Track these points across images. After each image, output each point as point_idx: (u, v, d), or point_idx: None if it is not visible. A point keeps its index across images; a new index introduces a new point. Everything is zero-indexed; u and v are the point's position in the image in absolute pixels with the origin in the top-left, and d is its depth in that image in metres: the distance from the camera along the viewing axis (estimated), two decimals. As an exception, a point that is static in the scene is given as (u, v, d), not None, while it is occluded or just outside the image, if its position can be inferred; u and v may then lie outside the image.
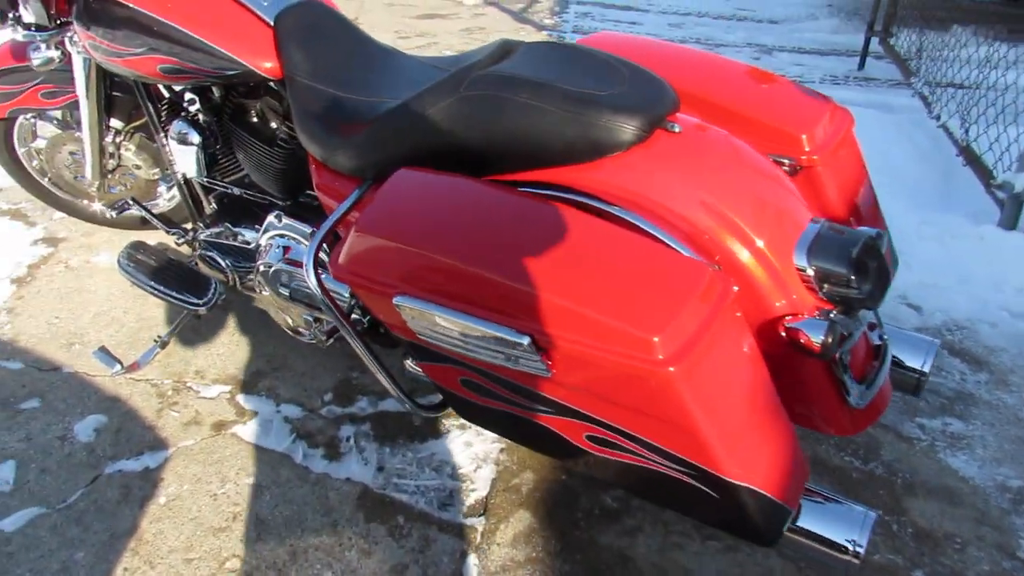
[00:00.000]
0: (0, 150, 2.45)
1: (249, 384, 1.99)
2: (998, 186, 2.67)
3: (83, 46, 1.82)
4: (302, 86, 1.61)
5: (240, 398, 1.94)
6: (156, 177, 2.44)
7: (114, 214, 2.15)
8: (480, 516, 1.63)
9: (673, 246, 1.24)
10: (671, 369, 1.05)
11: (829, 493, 1.31)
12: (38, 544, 1.56)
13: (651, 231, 1.25)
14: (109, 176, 2.39)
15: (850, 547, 1.24)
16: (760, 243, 1.26)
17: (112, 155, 2.32)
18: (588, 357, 1.11)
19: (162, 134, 2.03)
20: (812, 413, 1.38)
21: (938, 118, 3.52)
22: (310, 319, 1.73)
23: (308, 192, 1.86)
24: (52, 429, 1.84)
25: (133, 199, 2.14)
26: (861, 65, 4.68)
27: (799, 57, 4.94)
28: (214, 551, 1.55)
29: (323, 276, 1.49)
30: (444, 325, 1.21)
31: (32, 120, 2.41)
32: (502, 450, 1.79)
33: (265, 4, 1.68)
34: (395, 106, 1.45)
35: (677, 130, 1.32)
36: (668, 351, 1.05)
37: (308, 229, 1.72)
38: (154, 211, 2.44)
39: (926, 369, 1.57)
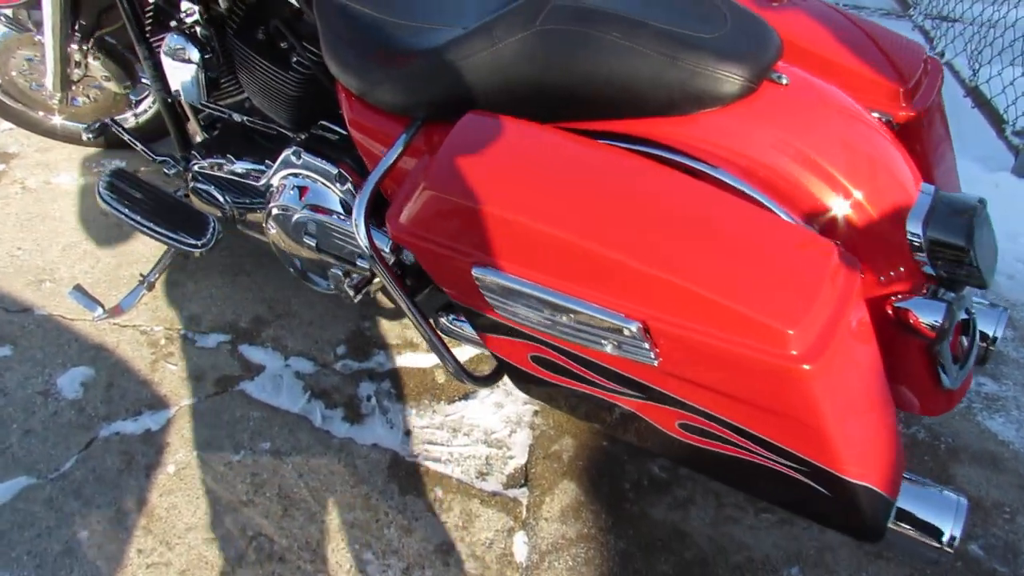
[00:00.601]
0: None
1: (251, 333, 1.80)
2: (1018, 132, 2.60)
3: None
4: (334, 5, 1.38)
5: (243, 349, 1.76)
6: (127, 91, 2.16)
7: (90, 136, 1.89)
8: (522, 487, 1.52)
9: (787, 218, 1.10)
10: (806, 367, 0.93)
11: (918, 478, 1.24)
12: (32, 521, 1.39)
13: (761, 199, 1.11)
14: (72, 87, 2.10)
15: (945, 538, 1.17)
16: (874, 212, 1.13)
17: (78, 64, 2.03)
18: (708, 348, 0.98)
19: (144, 46, 1.76)
20: (904, 394, 1.29)
21: (942, 55, 3.41)
22: (338, 272, 1.55)
23: (322, 123, 1.65)
24: (31, 383, 1.64)
25: (112, 120, 1.87)
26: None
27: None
28: (238, 529, 1.40)
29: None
30: (534, 303, 1.06)
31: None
32: (536, 412, 1.67)
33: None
34: (456, 36, 1.24)
35: (784, 82, 1.16)
36: (804, 346, 0.93)
37: (333, 169, 1.51)
38: (128, 126, 2.18)
39: (998, 335, 1.49)
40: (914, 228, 1.13)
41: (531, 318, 1.09)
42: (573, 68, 1.16)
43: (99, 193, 1.75)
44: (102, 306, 1.75)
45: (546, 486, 1.52)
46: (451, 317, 1.41)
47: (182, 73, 1.61)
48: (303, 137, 1.64)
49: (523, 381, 1.30)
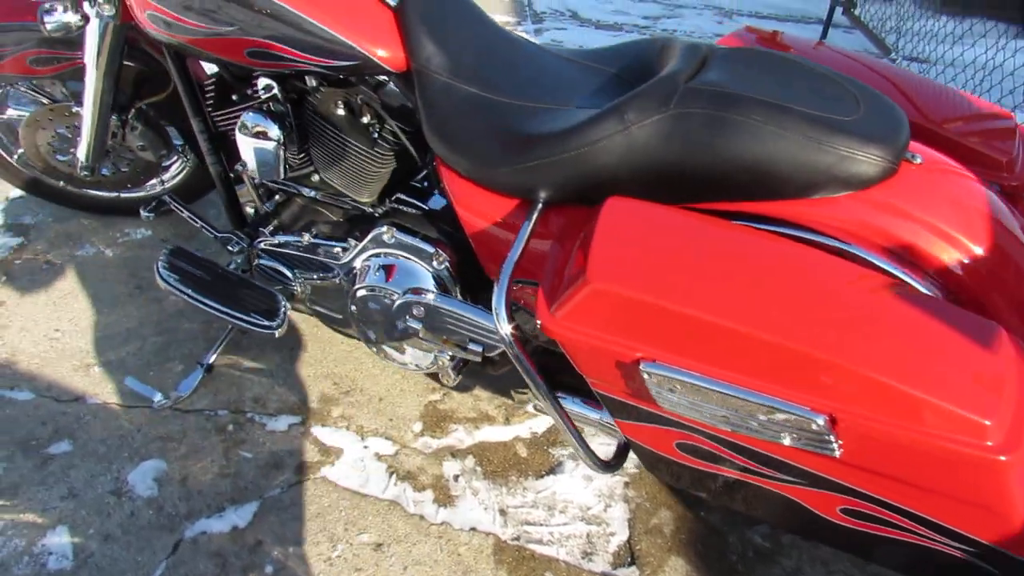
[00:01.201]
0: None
1: (321, 413, 1.74)
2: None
3: (138, 17, 1.46)
4: (440, 84, 1.35)
5: (316, 431, 1.69)
6: (160, 160, 2.08)
7: (150, 214, 1.80)
8: (631, 566, 1.49)
9: (938, 295, 1.11)
10: (1003, 458, 0.93)
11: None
12: (132, 639, 1.29)
13: (911, 280, 1.12)
14: (105, 157, 2.02)
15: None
16: (1014, 284, 1.15)
17: (114, 134, 1.95)
18: (899, 439, 0.97)
19: (201, 120, 1.70)
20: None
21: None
22: (441, 353, 1.50)
23: (399, 197, 1.61)
24: (100, 482, 1.54)
25: (172, 195, 1.79)
26: (824, 35, 4.68)
27: (760, 23, 4.90)
28: (354, 633, 1.33)
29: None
30: (711, 398, 1.04)
31: (3, 89, 1.99)
32: (627, 484, 1.65)
33: (386, -20, 1.40)
34: (582, 119, 1.23)
35: (918, 161, 1.18)
36: (1000, 437, 0.93)
37: (431, 249, 1.47)
38: (152, 194, 2.12)
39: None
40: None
41: (702, 411, 1.07)
42: (713, 151, 1.15)
43: (160, 275, 1.67)
44: (161, 392, 1.68)
45: (655, 564, 1.49)
46: (577, 401, 1.38)
47: (259, 150, 1.55)
48: (382, 213, 1.60)
49: (661, 466, 1.28)
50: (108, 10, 1.59)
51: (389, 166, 1.56)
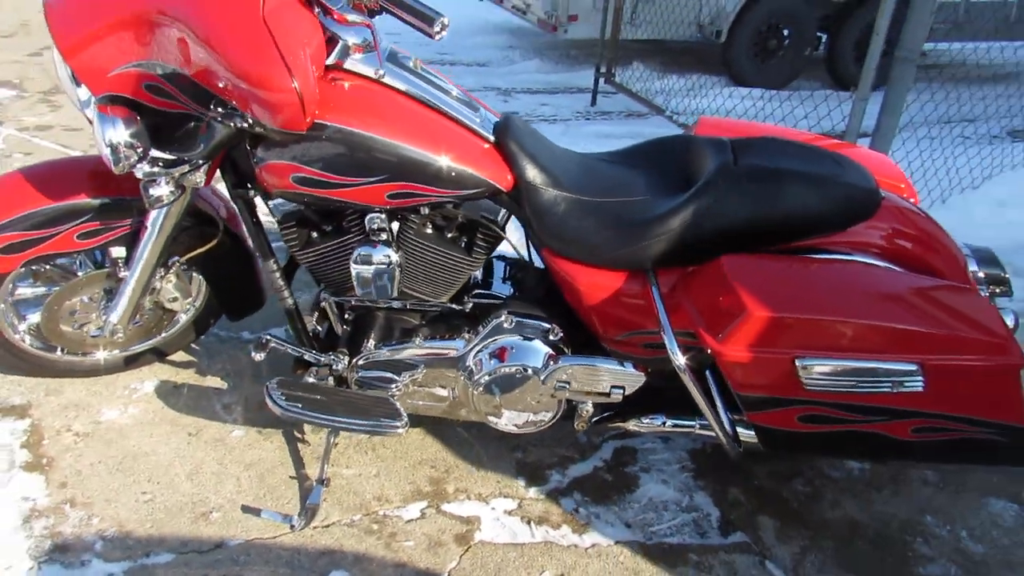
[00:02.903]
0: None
1: (440, 494, 1.96)
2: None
3: (271, 181, 1.64)
4: (549, 194, 1.73)
5: (447, 508, 1.92)
6: (187, 310, 2.16)
7: (262, 355, 1.90)
8: (736, 532, 1.92)
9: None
10: (1021, 365, 1.54)
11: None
12: None
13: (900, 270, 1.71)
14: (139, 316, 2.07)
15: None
16: (961, 264, 1.78)
17: (153, 291, 2.02)
18: (961, 367, 1.54)
19: (273, 260, 1.88)
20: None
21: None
22: (584, 404, 1.84)
23: (477, 291, 1.94)
24: (300, 604, 1.65)
25: (271, 335, 1.91)
26: (593, 101, 5.56)
27: (537, 97, 5.67)
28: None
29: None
30: (846, 371, 1.54)
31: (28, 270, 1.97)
32: (694, 478, 2.09)
33: (478, 121, 1.74)
34: (676, 204, 1.68)
35: (883, 195, 1.79)
36: (1016, 352, 1.54)
37: (548, 325, 1.82)
38: (159, 344, 2.20)
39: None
40: (973, 268, 1.81)
41: (834, 382, 1.56)
42: (773, 208, 1.66)
43: (279, 406, 1.81)
44: (294, 516, 1.81)
45: (751, 524, 1.95)
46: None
47: (377, 275, 1.78)
48: (472, 307, 1.91)
49: (780, 438, 1.73)
50: (199, 179, 1.73)
51: (474, 269, 1.88)
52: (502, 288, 2.00)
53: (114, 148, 1.51)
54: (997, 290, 1.83)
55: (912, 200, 1.92)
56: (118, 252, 1.96)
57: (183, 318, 2.20)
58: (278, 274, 1.90)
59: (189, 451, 2.03)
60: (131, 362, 2.23)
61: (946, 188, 3.80)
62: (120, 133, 1.51)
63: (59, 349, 2.12)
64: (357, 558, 1.76)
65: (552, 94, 5.79)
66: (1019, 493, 2.11)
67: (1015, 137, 5.30)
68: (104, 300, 2.03)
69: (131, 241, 1.92)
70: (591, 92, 5.64)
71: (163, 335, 2.21)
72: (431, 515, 1.90)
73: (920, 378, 1.55)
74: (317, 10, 1.49)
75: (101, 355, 2.17)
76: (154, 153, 1.59)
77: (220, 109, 1.53)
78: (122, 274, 1.94)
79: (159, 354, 2.28)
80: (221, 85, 1.46)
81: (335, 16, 1.49)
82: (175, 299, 2.08)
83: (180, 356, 2.35)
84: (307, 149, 1.59)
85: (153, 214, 1.82)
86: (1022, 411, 1.61)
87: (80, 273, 2.01)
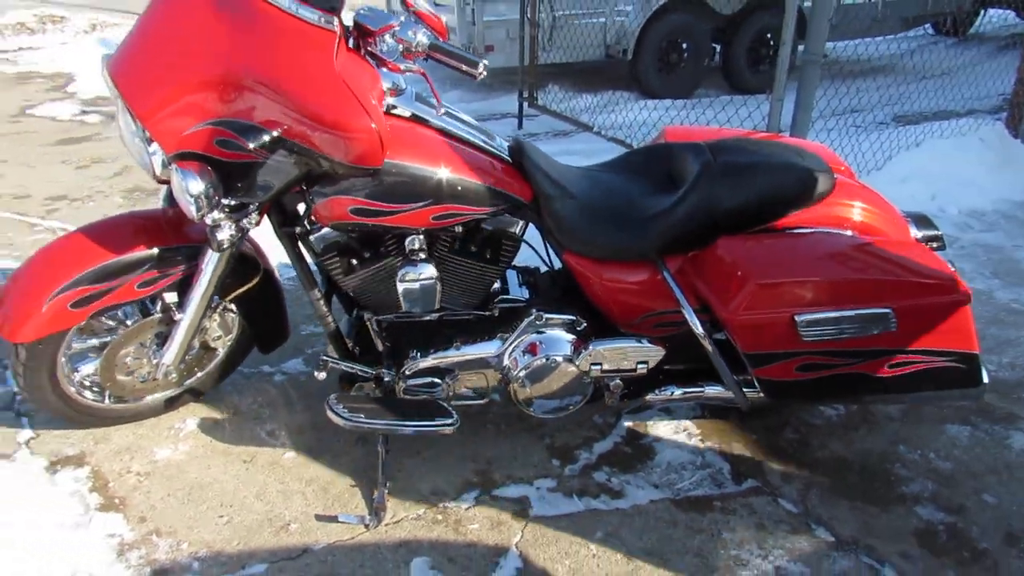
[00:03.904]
0: (37, 371, 2.05)
1: (487, 483, 2.19)
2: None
3: (327, 213, 1.84)
4: (566, 203, 2.00)
5: (497, 492, 2.15)
6: (227, 345, 2.32)
7: (324, 374, 2.07)
8: (748, 478, 2.22)
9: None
10: (969, 300, 1.90)
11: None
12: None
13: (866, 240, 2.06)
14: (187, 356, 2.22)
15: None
16: (904, 227, 2.14)
17: (202, 331, 2.18)
18: (921, 306, 1.89)
19: (317, 289, 2.08)
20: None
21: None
22: (613, 380, 2.10)
23: (501, 298, 2.19)
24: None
25: (327, 355, 2.10)
26: (520, 125, 5.89)
27: (467, 125, 5.94)
28: (657, 581, 1.87)
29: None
30: (837, 320, 1.86)
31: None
32: (700, 440, 2.38)
33: (496, 145, 2.00)
34: (675, 199, 1.98)
35: (837, 176, 2.14)
36: (965, 288, 1.90)
37: (573, 316, 2.09)
38: (196, 383, 2.38)
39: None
40: (912, 230, 2.17)
41: (830, 332, 1.88)
42: (757, 195, 1.98)
43: (342, 418, 2.01)
44: (365, 515, 2.01)
45: (760, 469, 2.25)
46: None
47: (423, 291, 2.00)
48: (502, 310, 2.15)
49: (782, 388, 2.03)
50: (255, 221, 1.93)
51: (499, 276, 2.13)
52: (519, 292, 2.25)
53: (195, 198, 1.70)
54: (934, 245, 2.20)
55: (853, 179, 2.28)
56: (170, 297, 2.10)
57: (220, 354, 2.35)
58: (322, 301, 2.10)
59: (249, 476, 2.18)
60: (171, 404, 2.37)
61: (856, 171, 4.28)
62: (199, 185, 1.70)
63: (107, 397, 2.24)
64: (432, 544, 1.97)
65: (480, 121, 6.06)
66: (967, 417, 2.49)
67: (900, 122, 5.93)
68: (154, 345, 2.17)
69: (181, 286, 2.08)
70: (516, 116, 5.97)
71: (202, 373, 2.35)
72: (485, 500, 2.12)
73: (894, 320, 1.89)
74: (373, 61, 1.73)
75: (148, 399, 2.30)
76: (225, 200, 1.77)
77: (292, 155, 1.73)
78: (177, 317, 2.08)
79: (195, 394, 2.41)
80: (298, 133, 1.66)
81: (389, 66, 1.72)
82: (218, 337, 2.25)
83: (212, 395, 2.49)
84: (364, 183, 1.81)
85: (209, 257, 1.98)
86: (972, 339, 1.97)
87: (129, 322, 2.15)
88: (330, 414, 2.02)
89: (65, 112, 6.24)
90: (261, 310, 2.31)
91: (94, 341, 2.15)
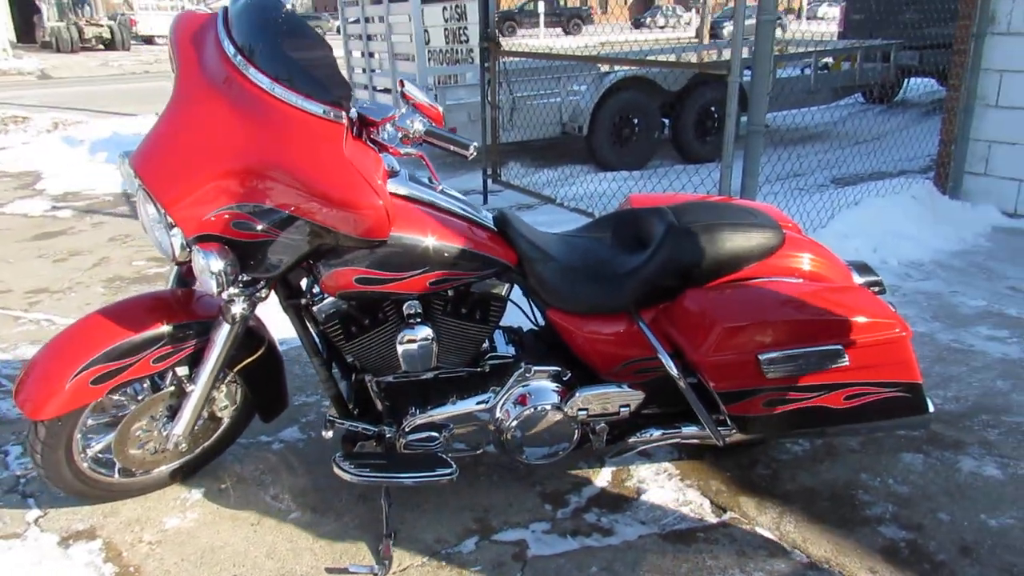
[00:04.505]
0: (55, 448, 2.17)
1: (486, 528, 2.33)
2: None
3: (333, 284, 2.03)
4: (548, 266, 2.22)
5: (496, 537, 2.29)
6: (232, 415, 2.46)
7: (331, 433, 2.21)
8: (728, 511, 2.40)
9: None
10: (910, 335, 2.15)
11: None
12: None
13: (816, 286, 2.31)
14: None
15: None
16: (847, 274, 2.41)
17: (211, 401, 2.32)
18: (871, 344, 2.13)
19: (319, 358, 2.25)
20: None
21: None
22: (599, 424, 2.28)
23: (491, 355, 2.38)
24: (408, 630, 1.96)
25: (332, 417, 2.24)
26: (485, 200, 6.17)
27: (434, 203, 6.20)
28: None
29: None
30: (797, 359, 2.09)
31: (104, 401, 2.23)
32: (681, 480, 2.56)
33: (481, 215, 2.23)
34: (644, 259, 2.21)
35: (785, 232, 2.40)
36: (906, 328, 2.15)
37: (558, 368, 2.28)
38: (201, 455, 2.50)
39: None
40: (858, 279, 2.43)
41: (787, 368, 2.10)
42: (715, 253, 2.22)
43: (348, 473, 2.16)
44: (374, 565, 2.14)
45: (737, 502, 2.43)
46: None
47: (420, 352, 2.18)
48: (492, 366, 2.34)
49: (751, 423, 2.23)
50: (265, 295, 2.10)
51: (488, 335, 2.32)
52: (506, 349, 2.43)
53: (216, 276, 1.88)
54: (876, 289, 2.46)
55: (800, 234, 2.55)
56: (180, 371, 2.25)
57: (224, 424, 2.48)
58: (324, 367, 2.27)
59: (258, 537, 2.30)
60: (176, 475, 2.48)
61: (803, 228, 4.61)
62: (219, 263, 1.88)
63: (116, 472, 2.35)
64: (442, 588, 2.10)
65: (447, 198, 6.34)
66: (920, 446, 2.72)
67: (838, 183, 6.35)
68: (164, 418, 2.30)
69: (192, 359, 2.23)
70: (481, 192, 6.25)
71: (207, 443, 2.47)
72: (485, 545, 2.26)
73: (845, 355, 2.12)
74: (375, 147, 1.95)
75: (155, 472, 2.41)
76: (243, 276, 1.96)
77: (304, 232, 1.92)
78: (189, 388, 2.22)
79: (199, 465, 2.53)
80: (311, 212, 1.86)
81: (390, 151, 1.95)
82: (225, 407, 2.39)
83: (214, 465, 2.60)
84: (367, 255, 2.01)
85: (221, 330, 2.14)
86: (915, 370, 2.21)
87: (141, 397, 2.28)
88: (338, 471, 2.16)
89: (36, 208, 6.35)
90: (264, 380, 2.45)
91: (105, 418, 2.27)
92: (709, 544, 2.26)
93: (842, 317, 2.11)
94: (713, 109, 7.24)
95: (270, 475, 2.60)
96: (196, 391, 2.21)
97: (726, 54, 8.48)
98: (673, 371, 2.15)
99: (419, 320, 2.19)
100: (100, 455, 2.32)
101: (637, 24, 34.33)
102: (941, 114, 5.54)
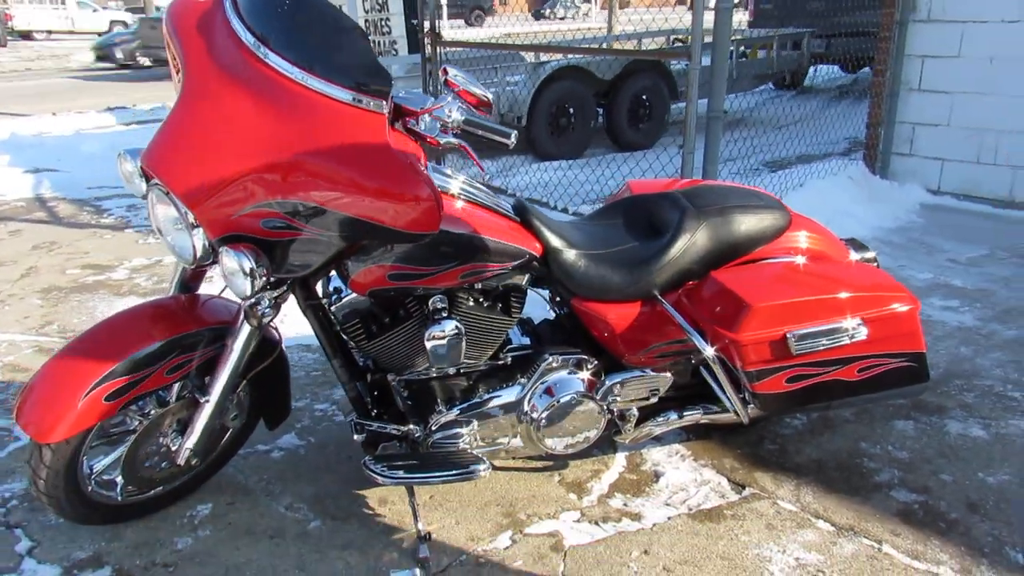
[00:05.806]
0: (59, 471, 2.01)
1: (516, 523, 2.30)
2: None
3: (364, 280, 1.95)
4: (572, 254, 2.20)
5: (529, 530, 2.26)
6: (241, 422, 2.35)
7: (361, 436, 2.13)
8: (745, 488, 2.45)
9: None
10: (918, 307, 2.25)
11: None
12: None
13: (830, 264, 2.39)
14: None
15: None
16: (845, 251, 2.50)
17: (225, 410, 2.21)
18: (883, 316, 2.21)
19: (340, 358, 2.17)
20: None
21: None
22: (631, 411, 2.28)
23: (510, 348, 2.35)
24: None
25: (356, 419, 2.16)
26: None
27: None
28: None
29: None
30: (823, 333, 2.14)
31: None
32: (694, 461, 2.60)
33: (505, 204, 2.19)
34: (664, 243, 2.23)
35: (791, 214, 2.46)
36: (913, 298, 2.24)
37: (585, 356, 2.27)
38: (206, 467, 2.39)
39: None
40: (854, 255, 2.53)
41: (813, 344, 2.16)
42: (731, 235, 2.27)
43: (379, 475, 2.10)
44: (416, 570, 2.09)
45: (753, 479, 2.49)
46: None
47: (450, 347, 2.11)
48: (515, 358, 2.31)
49: (773, 400, 2.28)
50: (287, 296, 2.01)
51: (511, 327, 2.29)
52: (523, 341, 2.41)
53: (249, 276, 1.77)
54: (873, 264, 2.56)
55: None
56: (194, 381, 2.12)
57: (230, 434, 2.36)
58: (345, 370, 2.18)
59: (281, 551, 2.20)
60: (177, 493, 2.34)
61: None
62: (250, 263, 1.77)
63: (119, 492, 2.20)
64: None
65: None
66: (908, 413, 2.85)
67: (770, 167, 6.58)
68: (173, 432, 2.16)
69: (205, 368, 2.10)
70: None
71: (212, 456, 2.35)
72: (520, 539, 2.24)
73: (864, 328, 2.19)
74: (413, 137, 1.89)
75: (161, 489, 2.27)
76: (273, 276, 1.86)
77: (339, 228, 1.82)
78: (203, 399, 2.09)
79: (200, 480, 2.40)
80: (354, 206, 1.76)
81: (428, 140, 1.88)
82: (235, 416, 2.27)
83: (215, 480, 2.47)
84: (400, 250, 1.94)
85: (239, 335, 2.02)
86: (921, 340, 2.31)
87: (148, 411, 2.13)
88: (370, 474, 2.09)
89: (-55, 221, 5.87)
90: (272, 387, 2.34)
91: (104, 438, 2.12)
92: (738, 520, 2.31)
93: (861, 292, 2.19)
94: (645, 97, 7.37)
95: (277, 485, 2.49)
96: (212, 400, 2.09)
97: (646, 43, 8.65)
98: (708, 351, 2.18)
99: (445, 315, 2.14)
100: (103, 476, 2.16)
101: (537, 16, 34.52)
102: (850, 99, 5.81)
